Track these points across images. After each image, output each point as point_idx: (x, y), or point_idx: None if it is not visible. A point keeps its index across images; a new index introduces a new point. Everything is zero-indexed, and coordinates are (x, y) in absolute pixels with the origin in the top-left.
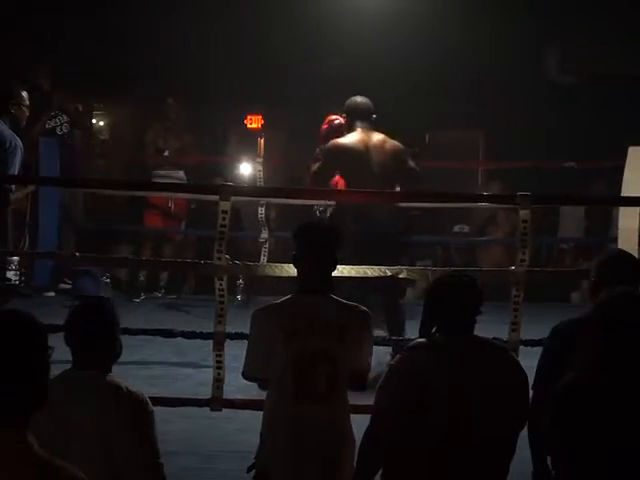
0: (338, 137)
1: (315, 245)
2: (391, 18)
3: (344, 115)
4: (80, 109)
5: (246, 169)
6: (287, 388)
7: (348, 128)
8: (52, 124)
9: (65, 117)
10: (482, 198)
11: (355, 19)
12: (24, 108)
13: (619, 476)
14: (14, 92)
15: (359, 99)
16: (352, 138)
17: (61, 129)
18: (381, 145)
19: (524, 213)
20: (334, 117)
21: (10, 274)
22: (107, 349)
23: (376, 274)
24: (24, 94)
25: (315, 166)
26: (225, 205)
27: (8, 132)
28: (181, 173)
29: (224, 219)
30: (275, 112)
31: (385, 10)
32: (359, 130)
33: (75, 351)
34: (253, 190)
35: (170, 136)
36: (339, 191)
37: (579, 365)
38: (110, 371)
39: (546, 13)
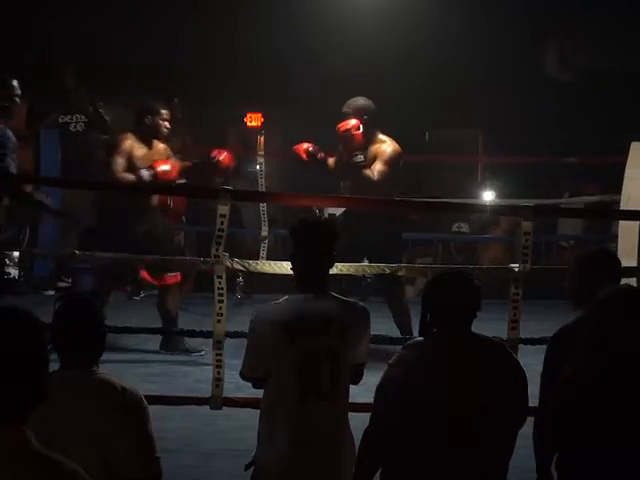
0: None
1: (313, 243)
2: (391, 17)
3: (365, 117)
4: (99, 110)
5: (248, 166)
6: (290, 387)
7: (371, 131)
8: (66, 119)
9: (82, 117)
10: (486, 209)
11: (355, 18)
12: (16, 99)
13: (621, 476)
14: (7, 84)
15: (371, 102)
16: (395, 143)
17: (75, 127)
18: None
19: (527, 225)
20: (355, 121)
21: (10, 269)
22: (94, 347)
23: (374, 272)
24: (15, 83)
25: (377, 173)
26: (223, 209)
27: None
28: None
29: (222, 223)
30: (275, 111)
31: (385, 9)
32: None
33: (63, 351)
34: (252, 194)
35: (173, 136)
36: (338, 197)
37: (580, 364)
38: (97, 367)
39: (545, 11)
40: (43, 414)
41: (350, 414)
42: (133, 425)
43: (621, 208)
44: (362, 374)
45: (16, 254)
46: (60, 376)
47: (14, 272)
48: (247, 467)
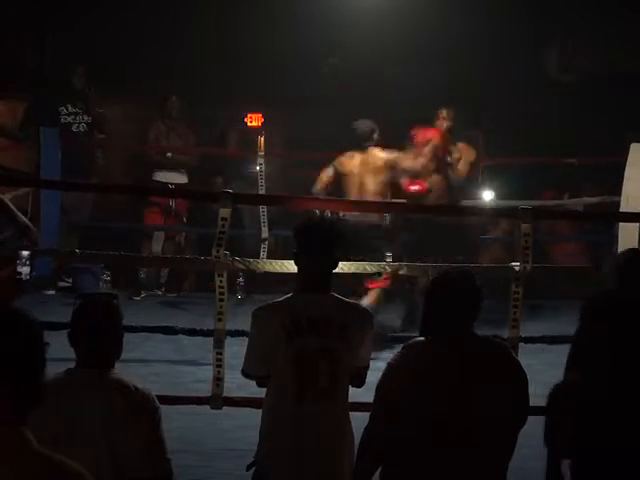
0: None
1: (316, 243)
2: (391, 17)
3: None
4: (103, 112)
5: (248, 167)
6: (289, 386)
7: None
8: (69, 120)
9: (86, 117)
10: (485, 212)
11: (355, 18)
12: None
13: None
14: None
15: None
16: None
17: (78, 127)
18: None
19: (526, 227)
20: None
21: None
22: (113, 347)
23: (375, 270)
24: None
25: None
26: (225, 212)
27: None
28: (183, 174)
29: (223, 226)
30: (275, 111)
31: (385, 10)
32: None
33: (81, 349)
34: (253, 198)
35: (173, 135)
36: (338, 200)
37: (590, 368)
38: (113, 367)
39: (545, 12)
40: (57, 411)
41: (351, 414)
42: (145, 425)
43: (621, 208)
44: (365, 378)
45: (25, 253)
46: (75, 374)
47: (25, 271)
48: (249, 467)
